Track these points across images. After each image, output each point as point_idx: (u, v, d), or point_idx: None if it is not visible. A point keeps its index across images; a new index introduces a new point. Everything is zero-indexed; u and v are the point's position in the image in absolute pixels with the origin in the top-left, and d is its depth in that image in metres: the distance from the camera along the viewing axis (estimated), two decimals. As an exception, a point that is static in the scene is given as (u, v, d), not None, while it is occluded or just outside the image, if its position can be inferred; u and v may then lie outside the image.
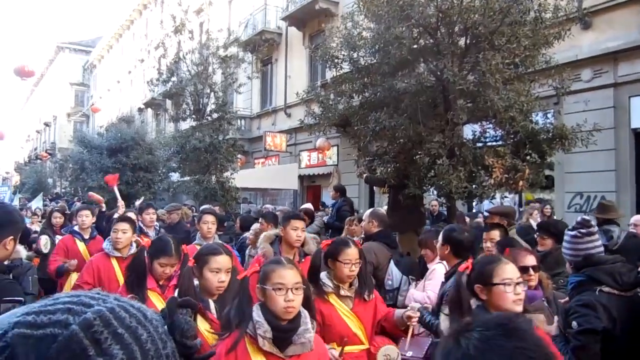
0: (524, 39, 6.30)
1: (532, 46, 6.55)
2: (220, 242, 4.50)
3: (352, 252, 3.19)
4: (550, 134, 6.75)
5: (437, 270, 4.45)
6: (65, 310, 0.71)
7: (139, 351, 0.71)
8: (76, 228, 6.08)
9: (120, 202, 7.33)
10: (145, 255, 3.49)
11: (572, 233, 3.26)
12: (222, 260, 2.95)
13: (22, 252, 5.92)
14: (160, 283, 3.50)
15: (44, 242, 6.83)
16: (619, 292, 2.97)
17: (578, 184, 10.78)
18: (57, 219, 7.69)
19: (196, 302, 1.02)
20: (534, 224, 7.48)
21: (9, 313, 0.74)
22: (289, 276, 2.39)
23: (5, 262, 3.03)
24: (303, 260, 4.27)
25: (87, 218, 6.12)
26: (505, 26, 6.32)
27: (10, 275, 3.09)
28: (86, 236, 6.04)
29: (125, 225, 4.64)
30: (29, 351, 0.68)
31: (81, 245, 5.92)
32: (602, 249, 3.24)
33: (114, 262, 4.48)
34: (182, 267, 3.30)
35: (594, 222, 3.34)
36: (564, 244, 3.35)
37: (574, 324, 2.90)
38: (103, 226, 6.66)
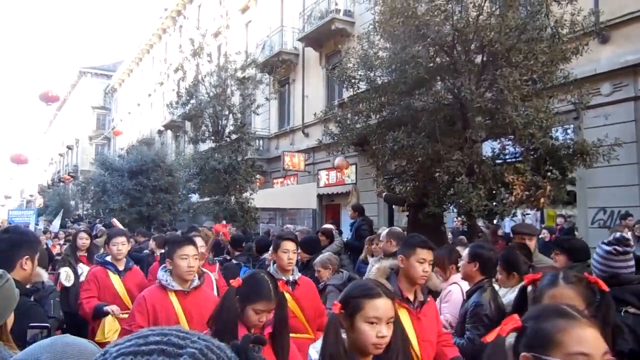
0: (541, 55, 6.28)
1: (550, 62, 6.53)
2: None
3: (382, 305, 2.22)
4: (571, 150, 6.69)
5: (454, 291, 4.39)
6: (159, 351, 0.73)
7: None
8: (108, 258, 5.12)
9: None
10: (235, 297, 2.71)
11: (608, 249, 3.12)
12: (383, 306, 2.17)
13: (44, 275, 5.78)
14: (253, 332, 2.69)
15: (65, 276, 6.20)
16: None
17: (601, 199, 10.60)
18: (84, 240, 6.93)
19: (265, 338, 1.04)
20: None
21: (47, 342, 0.75)
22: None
23: (28, 286, 3.08)
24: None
25: (123, 246, 5.13)
26: (521, 43, 6.31)
27: (32, 298, 3.12)
28: (121, 267, 5.07)
29: (192, 250, 3.63)
30: None
31: (115, 279, 4.98)
32: (633, 269, 3.12)
33: (173, 298, 3.49)
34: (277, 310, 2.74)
35: (632, 242, 3.24)
36: (595, 256, 3.21)
37: None
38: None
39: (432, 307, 3.39)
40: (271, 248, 4.27)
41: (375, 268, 3.73)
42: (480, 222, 7.62)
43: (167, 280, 3.50)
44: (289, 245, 3.99)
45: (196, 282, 3.58)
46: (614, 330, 2.56)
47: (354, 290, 2.27)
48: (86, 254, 6.83)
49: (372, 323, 2.13)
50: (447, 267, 4.62)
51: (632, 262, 3.12)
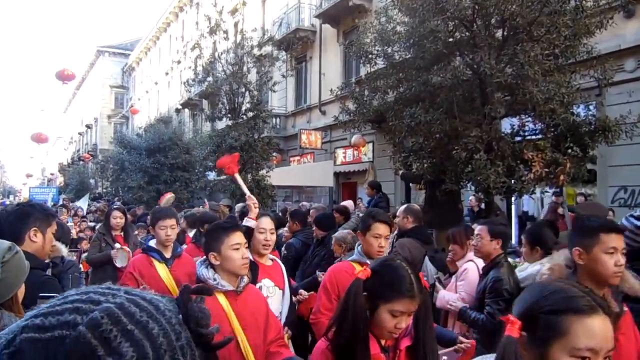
0: (564, 28, 6.11)
1: (573, 36, 6.36)
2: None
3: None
4: (593, 127, 6.55)
5: (470, 269, 4.36)
6: (73, 310, 0.69)
7: (150, 346, 0.69)
8: (152, 243, 4.25)
9: (249, 196, 4.25)
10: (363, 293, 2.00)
11: (638, 223, 3.12)
12: (600, 330, 1.32)
13: (64, 250, 5.76)
14: (385, 344, 2.06)
15: (122, 256, 5.76)
16: None
17: (622, 178, 10.42)
18: (117, 219, 6.30)
19: (209, 288, 0.95)
20: None
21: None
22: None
23: (46, 260, 3.11)
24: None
25: (172, 230, 4.20)
26: (544, 16, 6.15)
27: (50, 273, 3.15)
28: (168, 255, 4.19)
29: (243, 238, 2.97)
30: (37, 356, 0.66)
31: (161, 268, 4.09)
32: None
33: (223, 300, 2.80)
34: None
35: None
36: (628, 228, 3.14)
37: None
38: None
39: (629, 321, 2.43)
40: (344, 227, 4.05)
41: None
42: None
43: (215, 280, 2.77)
44: (382, 230, 3.44)
45: (246, 279, 2.91)
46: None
47: (546, 300, 1.36)
48: (122, 234, 6.41)
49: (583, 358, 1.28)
50: (465, 244, 4.58)
51: None
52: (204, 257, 2.93)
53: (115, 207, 6.84)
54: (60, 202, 19.03)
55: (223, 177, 15.65)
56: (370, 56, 7.73)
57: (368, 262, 3.12)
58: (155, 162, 18.01)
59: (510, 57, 6.40)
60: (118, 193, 22.83)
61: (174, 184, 18.15)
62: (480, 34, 6.64)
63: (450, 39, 6.74)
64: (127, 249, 5.87)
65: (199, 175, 19.19)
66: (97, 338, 0.66)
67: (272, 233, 3.74)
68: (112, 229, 6.25)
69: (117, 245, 6.01)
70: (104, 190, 31.28)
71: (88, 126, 60.73)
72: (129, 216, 13.12)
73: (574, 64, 6.94)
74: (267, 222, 3.75)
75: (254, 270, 3.40)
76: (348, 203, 10.24)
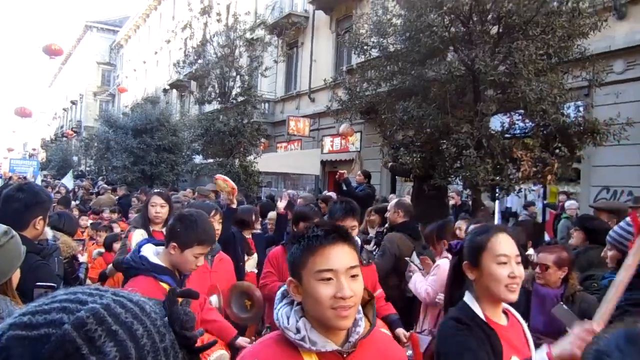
0: (560, 29, 6.16)
1: (567, 37, 6.41)
2: None
3: None
4: (582, 128, 6.63)
5: (442, 265, 4.32)
6: (60, 309, 0.70)
7: (134, 347, 0.70)
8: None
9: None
10: None
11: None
12: None
13: (49, 232, 5.62)
14: None
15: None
16: None
17: (605, 178, 10.56)
18: (158, 208, 4.38)
19: (197, 292, 0.94)
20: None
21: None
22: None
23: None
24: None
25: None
26: (540, 16, 6.19)
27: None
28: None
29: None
30: (23, 353, 0.66)
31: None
32: None
33: None
34: None
35: None
36: (621, 231, 3.07)
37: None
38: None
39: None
40: None
41: None
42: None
43: (302, 335, 1.51)
44: (156, 200, 4.22)
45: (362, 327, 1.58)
46: None
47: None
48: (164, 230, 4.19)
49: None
50: (438, 243, 4.53)
51: None
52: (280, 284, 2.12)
53: (156, 191, 4.95)
54: (39, 180, 18.76)
55: (210, 160, 15.58)
56: (365, 47, 7.72)
57: None
58: (141, 143, 17.82)
59: (505, 55, 6.44)
60: (102, 172, 22.60)
61: (160, 166, 18.01)
62: (476, 30, 6.66)
63: (446, 34, 6.75)
64: None
65: (186, 158, 19.07)
66: (82, 337, 0.67)
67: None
68: (151, 222, 4.39)
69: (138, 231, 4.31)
70: (88, 169, 30.99)
71: (73, 102, 59.86)
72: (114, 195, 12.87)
73: (566, 64, 6.99)
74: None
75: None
76: (332, 193, 10.27)
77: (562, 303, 3.21)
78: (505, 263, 1.93)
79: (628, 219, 3.08)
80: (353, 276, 1.50)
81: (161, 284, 2.49)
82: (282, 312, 1.58)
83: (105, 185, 16.82)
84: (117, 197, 13.16)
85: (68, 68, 64.93)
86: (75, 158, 38.22)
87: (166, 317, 0.80)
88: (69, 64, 63.93)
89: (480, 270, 1.98)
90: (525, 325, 2.10)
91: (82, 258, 5.41)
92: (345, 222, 3.50)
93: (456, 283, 2.20)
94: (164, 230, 3.88)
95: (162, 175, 18.05)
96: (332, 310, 1.46)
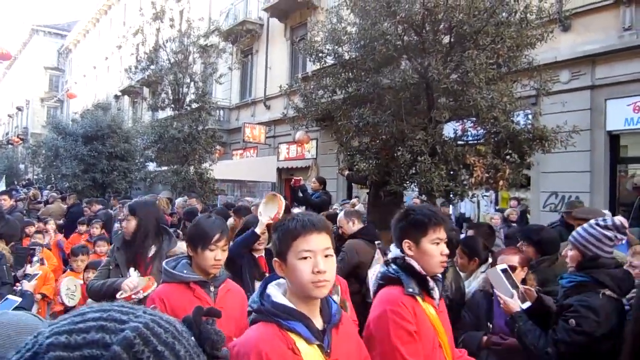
0: (509, 39, 6.34)
1: (516, 47, 6.61)
2: None
3: None
4: (531, 135, 6.83)
5: None
6: (98, 328, 0.68)
7: None
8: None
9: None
10: None
11: (609, 234, 3.05)
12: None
13: None
14: None
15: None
16: (617, 296, 2.99)
17: (553, 184, 10.95)
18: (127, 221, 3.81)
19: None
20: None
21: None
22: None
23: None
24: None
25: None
26: (490, 26, 6.35)
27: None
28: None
29: None
30: None
31: None
32: (612, 254, 3.13)
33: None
34: None
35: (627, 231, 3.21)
36: (585, 234, 3.11)
37: (572, 322, 2.92)
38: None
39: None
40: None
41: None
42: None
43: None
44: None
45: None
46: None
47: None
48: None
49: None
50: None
51: (612, 250, 3.14)
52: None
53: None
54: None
55: (164, 168, 15.32)
56: (320, 55, 7.75)
57: None
58: (92, 150, 17.35)
59: (457, 63, 6.57)
60: (50, 180, 21.86)
61: (112, 174, 17.58)
62: (428, 39, 6.78)
63: (400, 43, 6.85)
64: (151, 278, 3.31)
65: (139, 165, 18.67)
66: (132, 358, 0.66)
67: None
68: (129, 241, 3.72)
69: (132, 272, 3.45)
70: (35, 177, 29.92)
71: (19, 108, 57.81)
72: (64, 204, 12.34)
73: (515, 73, 7.21)
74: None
75: None
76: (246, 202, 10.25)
77: (496, 268, 3.29)
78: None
79: (592, 221, 3.18)
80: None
81: (290, 334, 1.81)
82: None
83: (54, 194, 16.26)
84: (66, 205, 12.76)
85: (13, 73, 62.70)
86: (22, 166, 36.86)
87: (192, 337, 0.78)
88: (14, 69, 61.77)
89: None
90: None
91: (31, 269, 5.11)
92: None
93: None
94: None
95: (115, 184, 17.62)
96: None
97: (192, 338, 0.78)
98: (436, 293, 2.42)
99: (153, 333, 0.69)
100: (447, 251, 2.45)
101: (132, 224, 3.69)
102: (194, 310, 0.86)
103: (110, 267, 3.65)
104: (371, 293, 2.98)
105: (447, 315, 2.56)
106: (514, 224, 10.05)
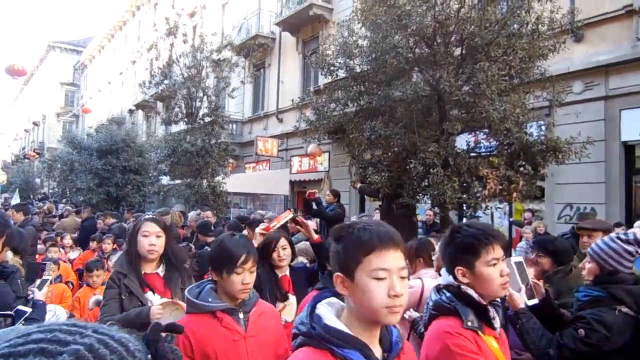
0: (521, 50, 6.33)
1: (528, 58, 6.60)
2: None
3: None
4: (544, 146, 6.79)
5: (413, 286, 4.27)
6: (38, 351, 0.64)
7: None
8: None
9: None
10: None
11: (630, 249, 2.99)
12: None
13: (9, 254, 5.44)
14: None
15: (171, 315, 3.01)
16: (634, 314, 2.91)
17: (568, 195, 10.83)
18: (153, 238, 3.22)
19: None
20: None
21: None
22: None
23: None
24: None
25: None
26: (501, 38, 6.35)
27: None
28: None
29: None
30: None
31: None
32: (631, 269, 3.05)
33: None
34: None
35: None
36: (606, 248, 3.04)
37: (581, 331, 2.86)
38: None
39: None
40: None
41: None
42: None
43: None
44: (150, 228, 3.17)
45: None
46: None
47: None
48: (160, 270, 3.36)
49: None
50: (413, 259, 4.49)
51: (631, 265, 3.06)
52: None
53: (148, 216, 3.41)
54: (0, 202, 18.20)
55: (177, 181, 15.43)
56: (332, 68, 7.79)
57: None
58: (106, 164, 17.51)
59: (468, 75, 6.57)
60: (66, 194, 22.08)
61: (126, 187, 17.71)
62: (440, 51, 6.80)
63: (411, 55, 6.87)
64: (181, 304, 2.97)
65: (153, 179, 18.80)
66: None
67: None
68: (144, 259, 3.21)
69: (152, 295, 3.14)
70: (51, 191, 30.24)
71: (35, 123, 58.63)
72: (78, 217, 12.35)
73: (527, 85, 7.18)
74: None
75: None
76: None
77: (510, 259, 3.17)
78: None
79: (613, 234, 3.10)
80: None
81: None
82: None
83: (69, 208, 16.41)
84: (81, 219, 12.85)
85: (30, 88, 63.69)
86: (37, 180, 37.28)
87: (149, 356, 0.74)
88: (31, 85, 62.75)
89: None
90: None
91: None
92: None
93: None
94: (158, 271, 3.24)
95: (129, 197, 17.74)
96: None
97: (149, 356, 0.74)
98: (497, 322, 2.17)
99: (95, 356, 0.65)
100: (507, 270, 2.18)
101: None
102: (150, 327, 0.81)
103: (124, 297, 3.08)
104: (421, 325, 2.82)
105: (507, 346, 2.28)
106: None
